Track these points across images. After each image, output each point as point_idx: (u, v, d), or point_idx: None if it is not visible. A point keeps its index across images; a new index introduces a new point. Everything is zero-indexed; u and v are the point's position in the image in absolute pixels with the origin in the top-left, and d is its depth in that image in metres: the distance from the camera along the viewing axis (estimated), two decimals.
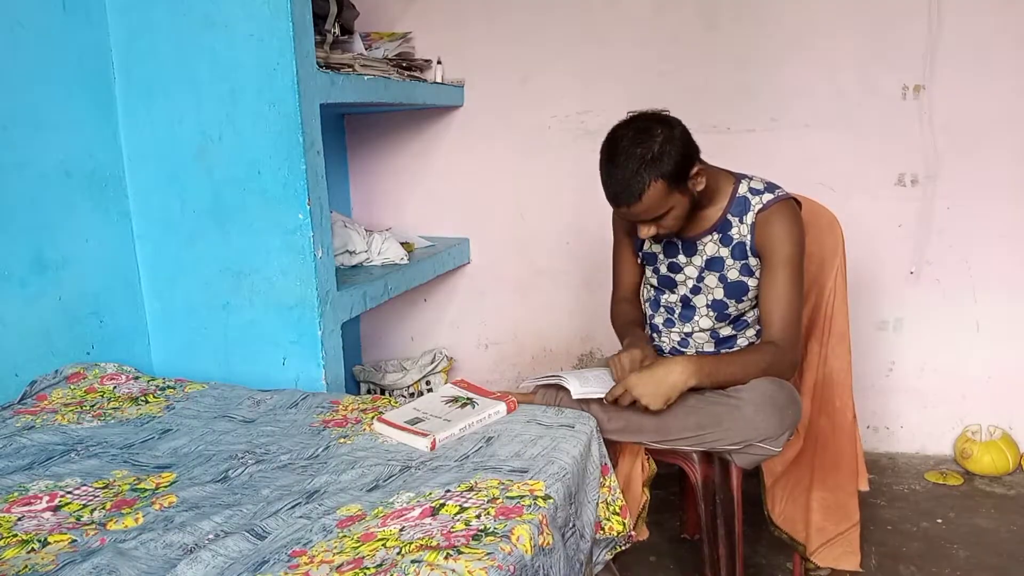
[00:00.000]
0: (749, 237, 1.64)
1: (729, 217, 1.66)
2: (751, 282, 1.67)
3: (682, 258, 1.72)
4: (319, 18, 2.09)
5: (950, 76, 2.37)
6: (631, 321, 1.84)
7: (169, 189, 1.98)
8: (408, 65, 2.52)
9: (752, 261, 1.65)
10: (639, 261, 1.83)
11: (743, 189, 1.66)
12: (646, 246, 1.79)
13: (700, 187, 1.59)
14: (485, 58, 2.75)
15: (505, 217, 2.84)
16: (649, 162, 1.50)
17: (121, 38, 1.94)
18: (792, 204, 1.65)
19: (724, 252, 1.67)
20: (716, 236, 1.67)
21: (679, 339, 1.76)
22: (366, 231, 2.47)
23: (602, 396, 1.58)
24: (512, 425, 1.49)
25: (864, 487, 1.84)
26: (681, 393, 1.55)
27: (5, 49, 1.72)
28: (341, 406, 1.66)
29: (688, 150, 1.56)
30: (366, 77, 2.14)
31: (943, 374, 2.54)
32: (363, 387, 2.88)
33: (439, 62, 2.72)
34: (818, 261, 1.83)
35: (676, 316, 1.76)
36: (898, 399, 2.60)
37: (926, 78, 2.39)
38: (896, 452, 2.62)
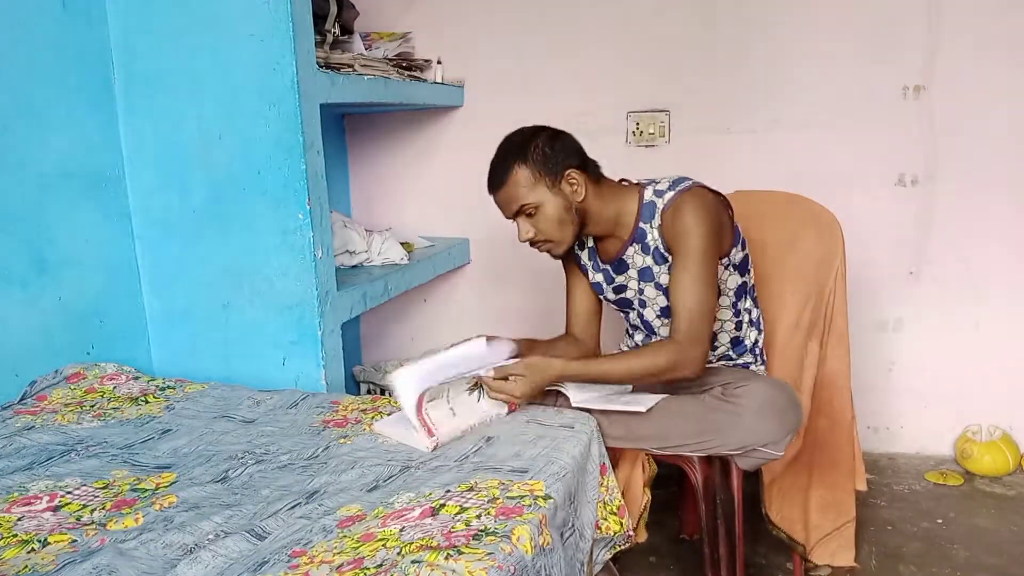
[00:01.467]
0: (660, 239, 1.62)
1: (642, 225, 1.64)
2: None
3: (619, 278, 1.72)
4: (319, 18, 2.09)
5: (950, 76, 2.37)
6: (544, 340, 1.82)
7: (169, 189, 1.97)
8: (408, 65, 2.52)
9: (671, 260, 1.62)
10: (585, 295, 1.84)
11: (648, 195, 1.64)
12: (591, 276, 1.79)
13: (578, 197, 1.61)
14: (485, 58, 2.75)
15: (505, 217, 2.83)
16: (515, 149, 1.61)
17: (121, 38, 1.94)
18: (696, 192, 1.59)
19: (648, 261, 1.65)
20: (637, 247, 1.66)
21: None
22: (366, 231, 2.46)
23: (599, 405, 1.57)
24: (512, 425, 1.50)
25: (862, 487, 1.85)
26: (551, 383, 1.56)
27: (5, 49, 1.72)
28: (341, 406, 1.66)
29: (564, 150, 1.62)
30: (366, 77, 2.14)
31: (943, 374, 2.54)
32: (363, 387, 2.88)
33: (439, 62, 2.71)
34: (818, 261, 1.83)
35: (644, 332, 1.77)
36: (898, 399, 2.60)
37: (926, 78, 2.39)
38: (896, 452, 2.62)
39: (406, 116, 2.87)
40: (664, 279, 1.65)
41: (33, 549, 1.12)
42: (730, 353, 1.75)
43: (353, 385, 2.91)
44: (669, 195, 1.61)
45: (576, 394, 1.59)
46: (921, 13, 2.36)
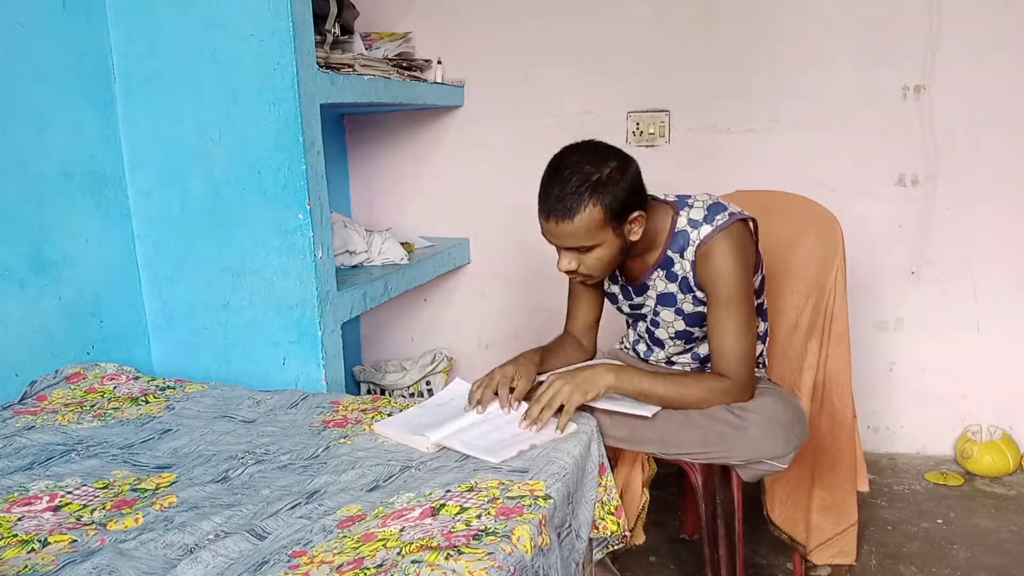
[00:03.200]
0: (691, 273, 1.56)
1: (670, 254, 1.58)
2: (704, 310, 1.61)
3: (637, 299, 1.69)
4: (319, 18, 2.09)
5: (950, 76, 2.37)
6: (554, 346, 1.77)
7: (169, 189, 1.98)
8: (408, 65, 2.52)
9: (700, 294, 1.58)
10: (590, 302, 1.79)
11: (682, 223, 1.56)
12: (606, 287, 1.74)
13: (634, 237, 1.51)
14: (485, 58, 2.75)
15: (505, 217, 2.83)
16: (594, 184, 1.42)
17: (121, 38, 1.94)
18: (732, 232, 1.52)
19: (672, 287, 1.61)
20: (661, 272, 1.61)
21: (664, 361, 1.77)
22: (366, 231, 2.46)
23: (604, 405, 1.54)
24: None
25: (864, 488, 1.85)
26: (600, 390, 1.48)
27: (5, 49, 1.72)
28: (341, 406, 1.66)
29: (636, 192, 1.48)
30: (366, 77, 2.14)
31: (943, 374, 2.54)
32: (363, 387, 2.88)
33: (439, 62, 2.72)
34: (818, 261, 1.83)
35: (650, 344, 1.76)
36: (898, 399, 2.60)
37: (926, 78, 2.40)
38: (896, 452, 2.62)
39: (406, 116, 2.87)
40: (687, 307, 1.61)
41: (33, 549, 1.12)
42: None
43: (353, 385, 2.91)
44: (705, 230, 1.52)
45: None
46: (921, 13, 2.36)
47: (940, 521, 2.18)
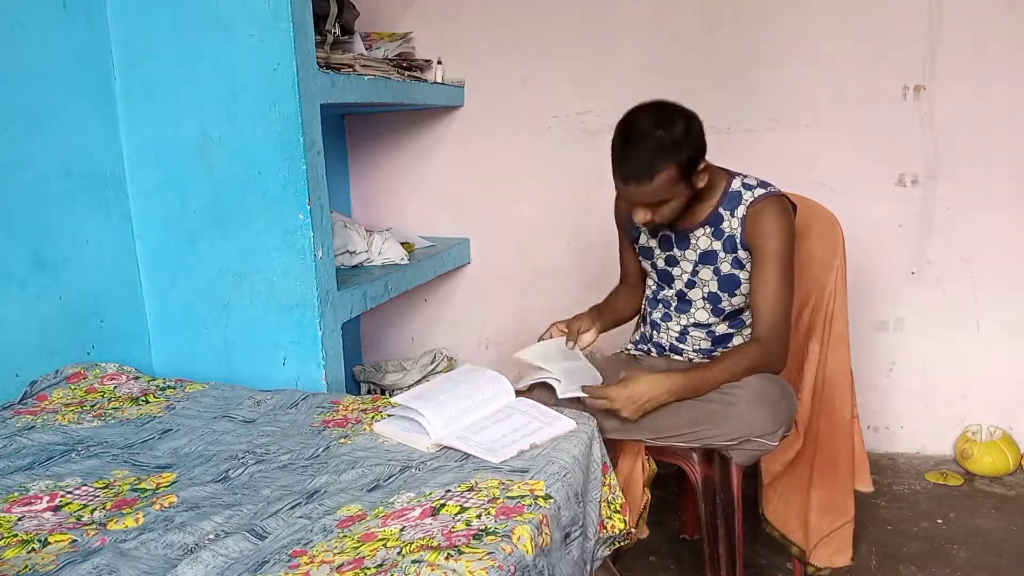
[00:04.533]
0: (739, 230, 1.65)
1: (721, 211, 1.67)
2: (742, 275, 1.68)
3: (676, 252, 1.73)
4: (319, 18, 2.09)
5: (950, 76, 2.37)
6: (609, 299, 1.94)
7: (169, 189, 1.97)
8: (408, 65, 2.52)
9: (742, 254, 1.66)
10: (633, 247, 1.87)
11: (736, 184, 1.68)
12: (642, 240, 1.80)
13: (701, 184, 1.62)
14: (485, 58, 2.75)
15: (505, 217, 2.84)
16: (668, 146, 1.52)
17: (121, 38, 1.94)
18: (783, 201, 1.66)
19: (716, 245, 1.68)
20: (708, 230, 1.68)
21: (677, 335, 1.77)
22: (366, 231, 2.47)
23: (583, 395, 1.59)
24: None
25: (866, 488, 1.84)
26: (659, 406, 1.57)
27: (5, 49, 1.72)
28: (341, 406, 1.66)
29: (701, 145, 1.59)
30: (366, 77, 2.14)
31: (943, 374, 2.54)
32: (363, 387, 2.88)
33: (439, 62, 2.72)
34: (818, 261, 1.83)
35: (673, 309, 1.77)
36: (898, 399, 2.60)
37: (926, 78, 2.40)
38: (896, 452, 2.62)
39: (406, 116, 2.87)
40: (725, 267, 1.67)
41: (33, 549, 1.12)
42: None
43: (353, 385, 2.91)
44: (759, 192, 1.65)
45: (562, 387, 1.62)
46: (921, 13, 2.36)
47: (940, 521, 2.18)
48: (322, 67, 1.93)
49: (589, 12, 2.63)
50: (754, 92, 2.53)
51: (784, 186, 2.01)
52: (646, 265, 1.83)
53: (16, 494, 1.28)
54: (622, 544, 1.51)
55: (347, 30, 2.30)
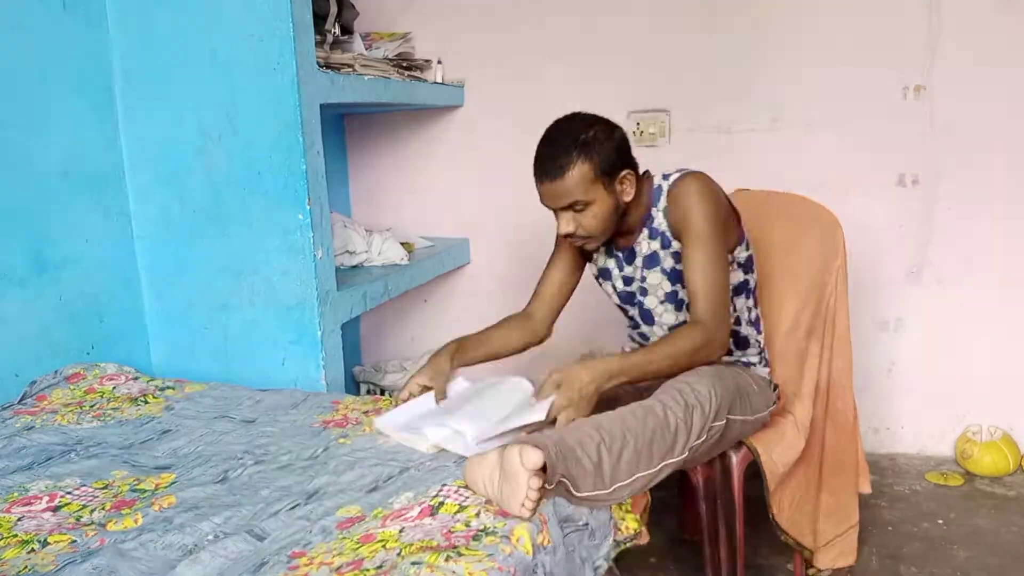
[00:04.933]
0: (665, 221, 1.62)
1: (651, 211, 1.65)
2: (681, 266, 1.63)
3: (628, 268, 1.71)
4: (319, 18, 2.09)
5: (950, 76, 2.37)
6: (491, 329, 1.84)
7: (169, 189, 1.97)
8: (408, 65, 2.52)
9: (676, 245, 1.62)
10: (597, 281, 1.81)
11: (658, 180, 1.66)
12: (600, 262, 1.77)
13: (627, 197, 1.59)
14: (485, 58, 2.75)
15: (505, 217, 2.83)
16: (581, 143, 1.53)
17: (121, 38, 1.94)
18: (700, 176, 1.62)
19: (655, 246, 1.66)
20: (645, 232, 1.66)
21: (662, 334, 1.76)
22: (366, 231, 2.46)
23: (500, 430, 1.40)
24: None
25: (866, 489, 1.84)
26: (601, 391, 1.46)
27: (5, 49, 1.72)
28: (341, 406, 1.65)
29: (622, 152, 1.58)
30: (366, 77, 2.14)
31: (943, 374, 2.54)
32: (363, 388, 2.88)
33: (439, 62, 2.71)
34: (819, 262, 1.83)
35: (646, 327, 1.75)
36: (898, 399, 2.60)
37: (926, 78, 2.39)
38: (897, 453, 2.62)
39: (406, 116, 2.87)
40: (668, 263, 1.64)
41: (33, 549, 1.12)
42: (736, 332, 1.72)
43: (353, 385, 2.91)
44: (674, 177, 1.63)
45: (471, 427, 1.39)
46: (921, 13, 2.36)
47: (940, 521, 2.18)
48: (322, 67, 1.93)
49: (589, 12, 2.63)
50: (754, 92, 2.53)
51: (784, 186, 2.02)
52: (607, 288, 1.79)
53: (16, 494, 1.28)
54: (627, 545, 1.51)
55: (347, 30, 2.30)
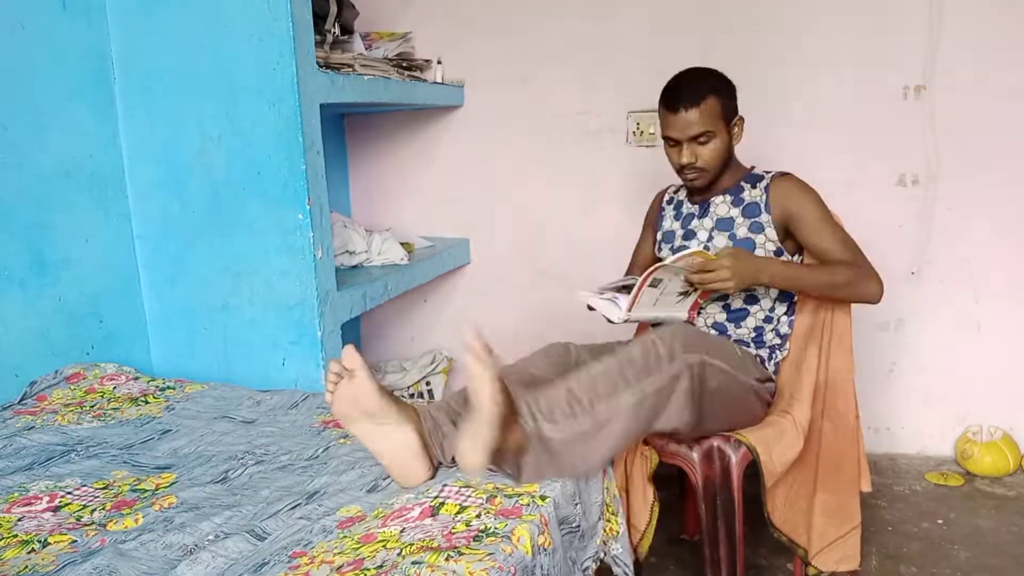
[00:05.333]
0: (763, 197, 1.75)
1: (742, 183, 1.79)
2: (758, 239, 1.73)
3: (695, 223, 1.81)
4: (319, 18, 2.09)
5: (950, 76, 2.37)
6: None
7: (169, 189, 1.97)
8: (408, 65, 2.52)
9: (764, 218, 1.74)
10: (656, 247, 1.92)
11: (758, 170, 1.83)
12: (666, 225, 1.89)
13: (738, 141, 1.78)
14: (485, 58, 2.74)
15: (505, 217, 2.83)
16: (714, 82, 1.72)
17: (121, 38, 1.94)
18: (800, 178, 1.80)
19: (735, 212, 1.77)
20: (728, 198, 1.78)
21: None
22: (366, 231, 2.46)
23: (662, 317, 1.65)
24: None
25: (867, 488, 1.84)
26: (754, 274, 1.62)
27: (5, 49, 1.72)
28: None
29: (736, 102, 1.77)
30: (366, 77, 2.14)
31: (944, 374, 2.54)
32: None
33: (439, 62, 2.71)
34: None
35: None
36: (899, 399, 2.60)
37: (926, 78, 2.39)
38: (897, 453, 2.62)
39: (406, 116, 2.87)
40: (742, 231, 1.74)
41: (33, 549, 1.12)
42: (762, 329, 1.78)
43: None
44: (776, 171, 1.80)
45: (620, 313, 1.63)
46: (921, 13, 2.36)
47: (940, 522, 2.18)
48: (322, 67, 1.93)
49: (589, 12, 2.62)
50: (754, 92, 2.52)
51: None
52: (666, 251, 1.86)
53: (16, 494, 1.28)
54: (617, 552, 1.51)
55: (347, 30, 2.30)
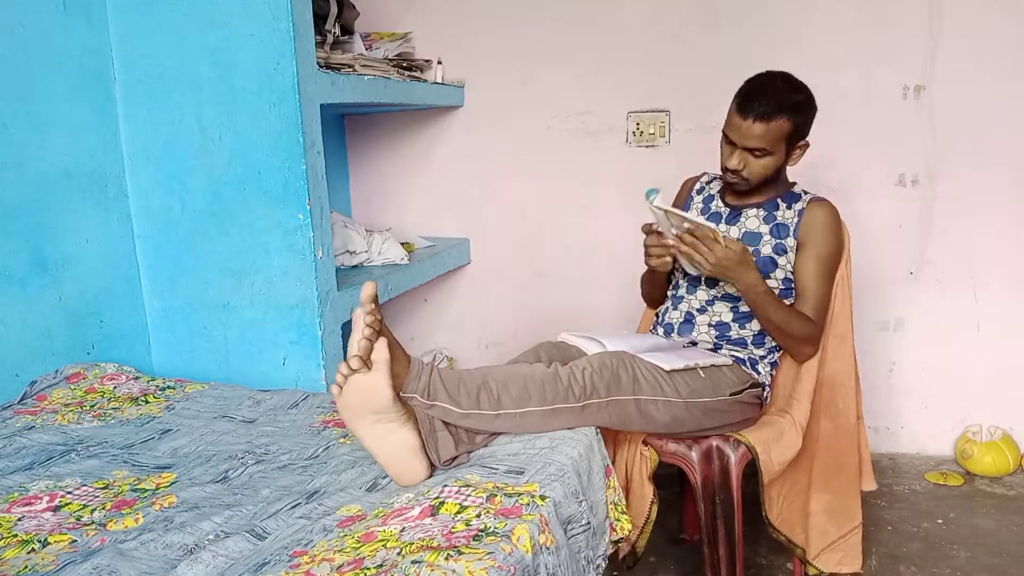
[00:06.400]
0: (795, 220, 1.74)
1: (779, 201, 1.76)
2: (780, 260, 1.72)
3: (722, 226, 1.78)
4: (319, 18, 2.09)
5: (950, 76, 2.37)
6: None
7: (169, 189, 1.97)
8: (408, 65, 2.52)
9: (789, 242, 1.72)
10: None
11: (798, 189, 1.80)
12: (691, 214, 1.84)
13: (793, 163, 1.73)
14: (485, 58, 2.75)
15: (505, 217, 2.84)
16: (795, 103, 1.65)
17: (121, 38, 1.94)
18: (837, 210, 1.75)
19: (764, 228, 1.75)
20: (761, 212, 1.76)
21: (699, 305, 1.78)
22: (366, 231, 2.46)
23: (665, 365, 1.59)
24: None
25: (870, 487, 1.84)
26: (735, 276, 1.62)
27: (5, 49, 1.72)
28: None
29: (810, 125, 1.71)
30: (366, 77, 2.14)
31: (944, 374, 2.54)
32: None
33: (439, 62, 2.71)
34: None
35: (703, 280, 1.77)
36: (899, 399, 2.60)
37: (926, 78, 2.39)
38: (897, 452, 2.62)
39: (406, 116, 2.87)
40: (766, 249, 1.73)
41: (33, 549, 1.12)
42: (765, 332, 1.77)
43: None
44: (817, 196, 1.77)
45: (611, 344, 1.64)
46: (921, 13, 2.36)
47: (940, 521, 2.18)
48: (322, 67, 1.93)
49: (589, 12, 2.63)
50: None
51: None
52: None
53: (16, 494, 1.28)
54: (626, 555, 1.51)
55: (347, 30, 2.30)
